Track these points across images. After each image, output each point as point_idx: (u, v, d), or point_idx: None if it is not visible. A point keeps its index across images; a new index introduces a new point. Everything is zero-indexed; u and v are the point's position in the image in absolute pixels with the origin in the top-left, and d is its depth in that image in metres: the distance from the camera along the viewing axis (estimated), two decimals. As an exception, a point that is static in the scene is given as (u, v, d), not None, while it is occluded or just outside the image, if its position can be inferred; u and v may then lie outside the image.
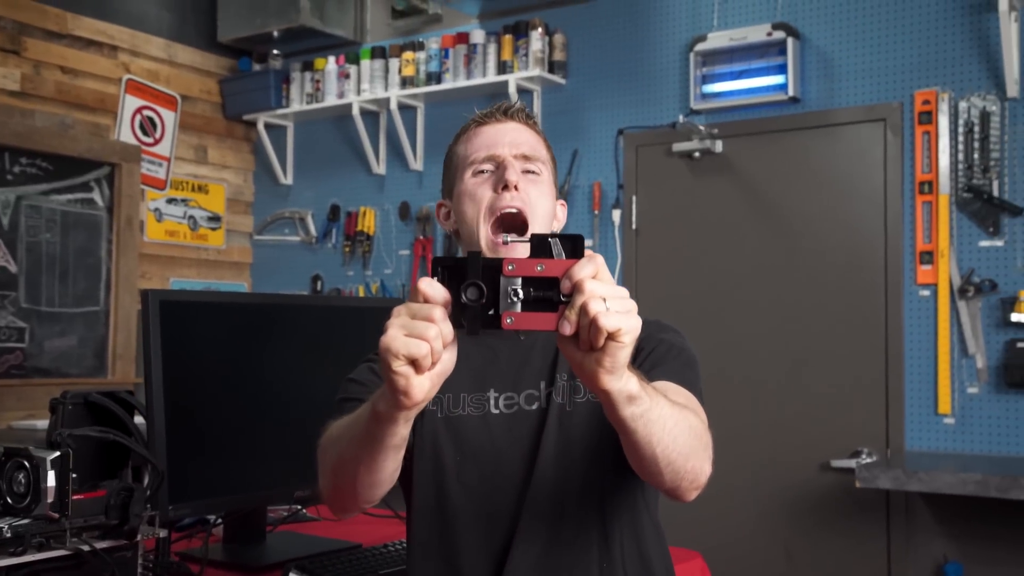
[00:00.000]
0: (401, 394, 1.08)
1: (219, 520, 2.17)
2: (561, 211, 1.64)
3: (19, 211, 4.33)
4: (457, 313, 1.07)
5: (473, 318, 1.06)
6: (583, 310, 1.02)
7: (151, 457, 1.72)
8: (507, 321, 1.05)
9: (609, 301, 1.02)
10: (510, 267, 1.05)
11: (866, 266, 3.75)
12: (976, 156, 3.55)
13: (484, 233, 1.52)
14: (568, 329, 1.03)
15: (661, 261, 4.17)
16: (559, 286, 1.04)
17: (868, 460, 3.55)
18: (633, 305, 1.05)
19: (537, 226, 1.52)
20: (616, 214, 4.27)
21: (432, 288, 1.07)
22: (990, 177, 3.53)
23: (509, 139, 1.56)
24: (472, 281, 1.05)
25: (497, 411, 1.51)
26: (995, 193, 3.51)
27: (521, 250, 1.41)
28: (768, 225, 3.96)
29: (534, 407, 1.51)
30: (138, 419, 1.83)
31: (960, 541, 3.49)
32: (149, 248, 4.90)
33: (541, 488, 1.46)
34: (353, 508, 1.40)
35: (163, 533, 1.71)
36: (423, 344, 1.05)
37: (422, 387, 1.08)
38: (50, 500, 1.56)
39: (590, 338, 1.03)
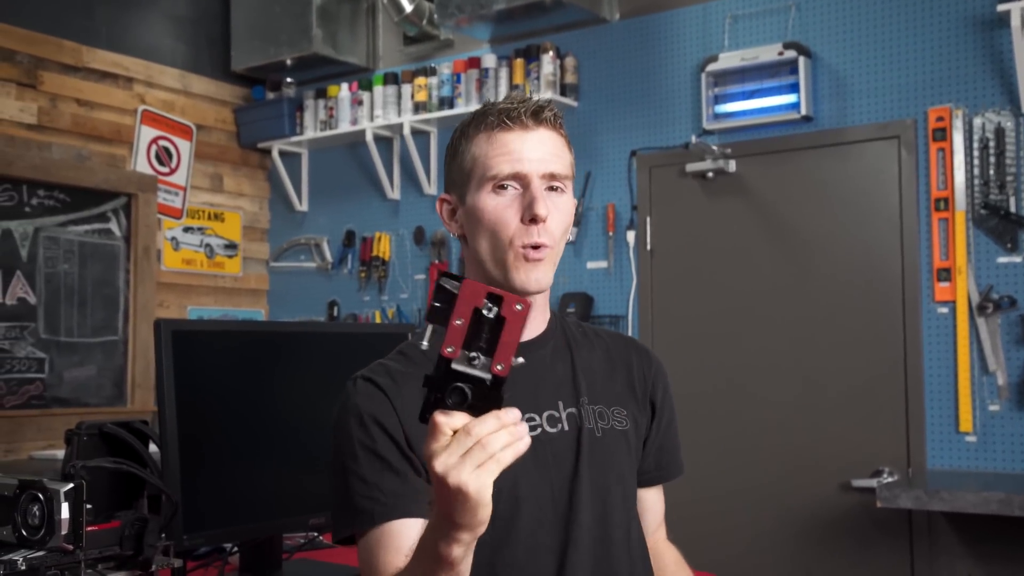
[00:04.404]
0: (484, 507, 1.04)
1: (235, 549, 2.17)
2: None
3: (37, 243, 4.36)
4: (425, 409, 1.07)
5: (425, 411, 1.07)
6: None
7: (165, 487, 1.72)
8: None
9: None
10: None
11: (883, 284, 3.72)
12: (992, 172, 3.53)
13: (510, 260, 1.40)
14: None
15: (677, 281, 4.16)
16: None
17: (889, 479, 3.51)
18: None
19: (554, 246, 1.44)
20: (631, 235, 4.26)
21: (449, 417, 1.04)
22: (1007, 193, 3.50)
23: (538, 155, 1.41)
24: (456, 385, 1.04)
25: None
26: (1012, 209, 3.49)
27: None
28: (783, 244, 3.95)
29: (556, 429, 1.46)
30: (153, 448, 1.84)
31: (984, 561, 3.45)
32: (166, 277, 4.92)
33: (582, 522, 1.43)
34: None
35: (178, 563, 1.71)
36: (495, 462, 1.03)
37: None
38: (64, 532, 1.56)
39: None
